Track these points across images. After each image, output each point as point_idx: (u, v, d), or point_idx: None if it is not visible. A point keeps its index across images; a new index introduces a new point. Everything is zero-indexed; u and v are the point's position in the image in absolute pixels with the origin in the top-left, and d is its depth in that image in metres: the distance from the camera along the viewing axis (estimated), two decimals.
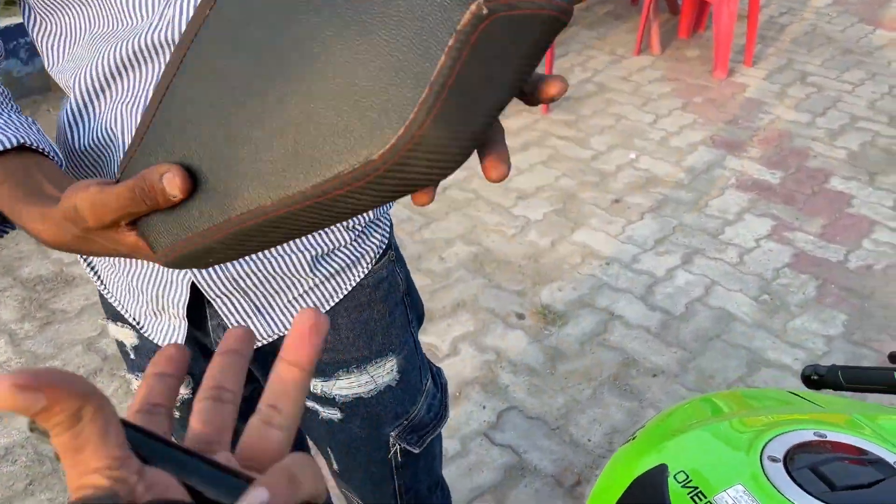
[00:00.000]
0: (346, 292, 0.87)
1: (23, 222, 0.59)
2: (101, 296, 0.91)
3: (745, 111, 3.51)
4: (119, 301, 0.87)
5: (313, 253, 0.82)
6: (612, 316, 2.34)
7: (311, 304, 0.86)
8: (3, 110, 0.66)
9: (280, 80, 0.40)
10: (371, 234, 0.87)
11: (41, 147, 0.64)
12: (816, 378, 0.90)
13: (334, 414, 0.93)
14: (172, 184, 0.46)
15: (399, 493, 1.03)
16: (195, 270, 0.78)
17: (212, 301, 0.82)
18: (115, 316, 0.91)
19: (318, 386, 0.92)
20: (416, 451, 0.99)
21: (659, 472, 0.70)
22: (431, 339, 2.24)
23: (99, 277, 0.88)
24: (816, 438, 0.72)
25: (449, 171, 0.38)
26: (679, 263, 2.56)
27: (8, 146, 0.62)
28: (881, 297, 2.40)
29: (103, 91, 0.71)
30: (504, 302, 2.38)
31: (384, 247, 0.89)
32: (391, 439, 0.97)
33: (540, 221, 2.77)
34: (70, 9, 0.71)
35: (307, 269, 0.82)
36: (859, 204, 2.86)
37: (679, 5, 4.33)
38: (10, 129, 0.64)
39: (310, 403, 0.94)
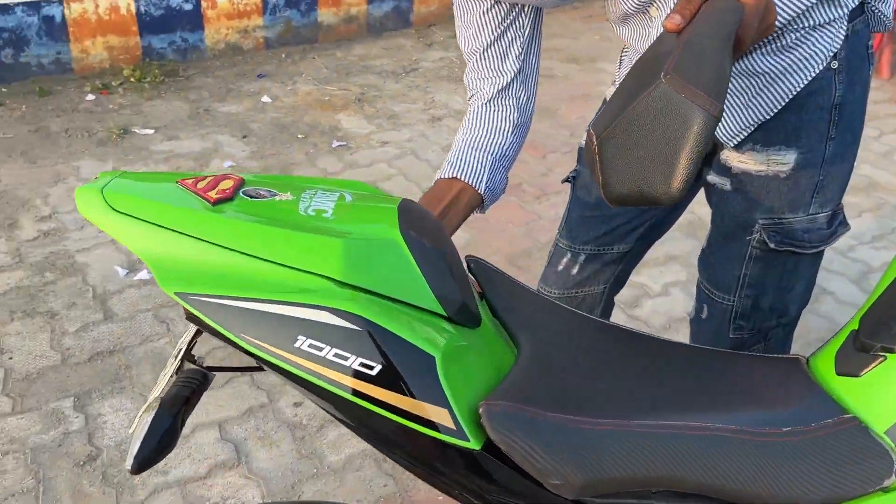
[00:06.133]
0: None
1: None
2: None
3: None
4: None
5: None
6: (823, 291, 2.40)
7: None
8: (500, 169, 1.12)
9: None
10: None
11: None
12: None
13: (725, 183, 1.07)
14: None
15: (740, 283, 1.10)
16: None
17: None
18: None
19: (724, 153, 1.06)
20: (772, 246, 1.04)
21: None
22: (643, 279, 2.41)
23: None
24: None
25: None
26: None
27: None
28: None
29: None
30: None
31: None
32: (757, 225, 1.05)
33: None
34: None
35: None
36: None
37: None
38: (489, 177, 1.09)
39: (711, 178, 1.09)
